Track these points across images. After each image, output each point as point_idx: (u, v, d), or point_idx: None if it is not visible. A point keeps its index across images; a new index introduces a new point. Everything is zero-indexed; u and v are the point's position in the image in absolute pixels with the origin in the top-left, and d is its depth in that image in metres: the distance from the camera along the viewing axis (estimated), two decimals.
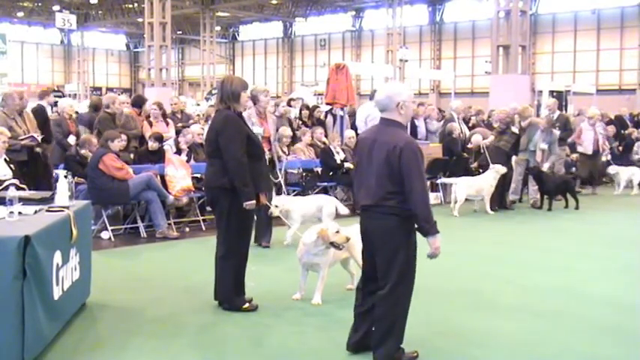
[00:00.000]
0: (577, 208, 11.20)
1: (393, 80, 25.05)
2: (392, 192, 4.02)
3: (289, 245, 7.59)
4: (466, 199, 10.55)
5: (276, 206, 7.38)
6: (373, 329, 4.23)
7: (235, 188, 5.14)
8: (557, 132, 11.41)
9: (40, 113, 10.22)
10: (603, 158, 14.14)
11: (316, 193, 10.10)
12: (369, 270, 4.29)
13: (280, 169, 8.95)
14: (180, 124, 10.87)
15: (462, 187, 10.47)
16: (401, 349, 4.22)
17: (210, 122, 5.65)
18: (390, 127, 4.14)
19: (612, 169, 13.65)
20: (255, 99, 7.23)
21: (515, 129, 11.18)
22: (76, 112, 11.06)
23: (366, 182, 4.16)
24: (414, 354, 4.31)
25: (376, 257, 4.18)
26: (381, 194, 4.05)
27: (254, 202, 5.22)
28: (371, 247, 4.21)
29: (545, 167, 11.11)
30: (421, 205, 3.99)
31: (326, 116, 12.70)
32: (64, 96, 31.27)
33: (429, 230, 4.02)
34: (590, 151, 13.27)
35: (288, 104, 12.77)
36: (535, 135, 11.29)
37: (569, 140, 13.14)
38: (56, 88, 38.81)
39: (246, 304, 5.33)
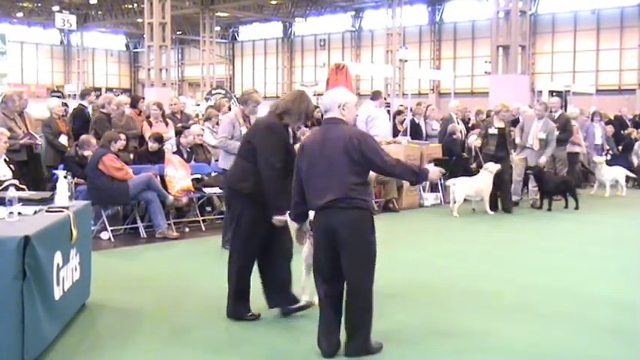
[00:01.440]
0: (577, 208, 11.20)
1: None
2: (355, 183, 4.19)
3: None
4: (465, 200, 10.54)
5: None
6: (345, 321, 4.29)
7: (252, 195, 4.96)
8: (553, 124, 11.33)
9: (79, 116, 10.31)
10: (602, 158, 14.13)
11: None
12: (328, 271, 4.30)
13: None
14: (179, 125, 10.87)
15: (460, 187, 10.46)
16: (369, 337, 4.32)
17: (253, 123, 5.47)
18: (336, 125, 4.34)
19: (597, 159, 13.31)
20: (245, 103, 7.23)
21: (492, 130, 11.03)
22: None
23: (321, 181, 4.23)
24: (379, 344, 4.39)
25: (344, 252, 4.19)
26: (347, 186, 4.17)
27: (285, 217, 4.96)
28: (334, 244, 4.22)
29: (542, 161, 10.94)
30: (402, 170, 4.41)
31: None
32: (63, 96, 31.30)
33: (424, 176, 4.53)
34: (592, 150, 13.27)
35: None
36: (532, 127, 11.20)
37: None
38: (56, 89, 38.89)
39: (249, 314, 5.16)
